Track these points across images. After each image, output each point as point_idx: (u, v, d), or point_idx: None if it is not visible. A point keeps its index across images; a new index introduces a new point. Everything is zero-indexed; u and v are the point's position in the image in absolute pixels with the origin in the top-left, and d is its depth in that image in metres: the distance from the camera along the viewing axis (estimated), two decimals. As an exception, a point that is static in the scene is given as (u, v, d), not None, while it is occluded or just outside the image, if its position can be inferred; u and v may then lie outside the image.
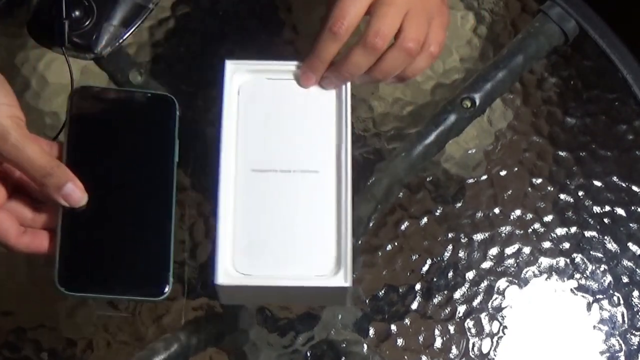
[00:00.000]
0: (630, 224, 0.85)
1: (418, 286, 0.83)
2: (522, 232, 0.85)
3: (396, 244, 0.84)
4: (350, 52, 0.75)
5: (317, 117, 0.77)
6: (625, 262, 0.84)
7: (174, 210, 0.76)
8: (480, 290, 0.83)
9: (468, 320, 0.82)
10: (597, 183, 0.86)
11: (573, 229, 0.85)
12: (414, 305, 0.82)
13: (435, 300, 0.82)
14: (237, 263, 0.73)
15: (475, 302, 0.82)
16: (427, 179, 0.86)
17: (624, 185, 0.87)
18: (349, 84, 0.77)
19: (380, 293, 0.82)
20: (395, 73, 0.77)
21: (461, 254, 0.84)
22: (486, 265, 0.84)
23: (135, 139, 0.78)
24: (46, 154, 0.72)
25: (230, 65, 0.78)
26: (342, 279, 0.73)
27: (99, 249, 0.75)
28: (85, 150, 0.76)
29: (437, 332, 0.82)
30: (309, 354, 0.81)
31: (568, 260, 0.84)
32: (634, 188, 0.86)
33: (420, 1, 0.76)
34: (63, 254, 0.73)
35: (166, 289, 0.74)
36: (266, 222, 0.74)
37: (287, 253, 0.74)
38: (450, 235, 0.84)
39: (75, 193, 0.73)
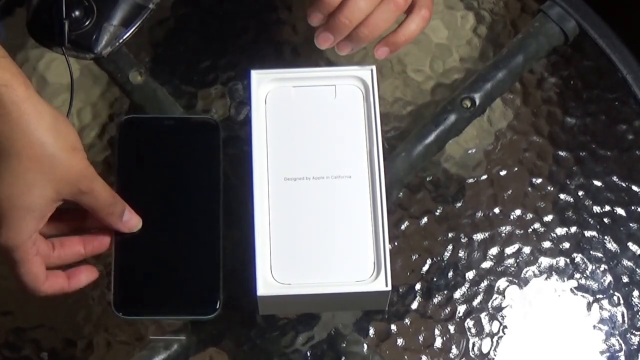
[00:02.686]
0: (630, 224, 0.85)
1: (418, 286, 0.83)
2: (522, 232, 0.85)
3: (396, 243, 0.84)
4: (377, 10, 0.77)
5: (345, 122, 0.78)
6: (625, 262, 0.84)
7: (221, 230, 0.78)
8: (480, 290, 0.83)
9: (468, 320, 0.82)
10: (597, 183, 0.86)
11: (573, 229, 0.85)
12: (414, 305, 0.82)
13: (435, 300, 0.82)
14: (276, 273, 0.74)
15: (475, 302, 0.82)
16: (427, 179, 0.86)
17: (624, 185, 0.87)
18: (376, 89, 0.78)
19: (380, 293, 0.82)
20: (385, 28, 0.78)
21: (461, 254, 0.84)
22: (486, 265, 0.84)
23: (182, 163, 0.81)
24: (105, 183, 0.74)
25: (256, 75, 0.78)
26: (382, 284, 0.73)
27: (152, 274, 0.78)
28: (135, 177, 0.80)
29: (437, 332, 0.82)
30: (309, 354, 0.81)
31: (568, 260, 0.84)
32: (634, 188, 0.86)
33: None
34: (118, 281, 0.77)
35: (216, 308, 0.76)
36: (302, 230, 0.75)
37: (326, 260, 0.74)
38: (450, 235, 0.84)
39: (132, 219, 0.76)
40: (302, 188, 0.76)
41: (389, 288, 0.73)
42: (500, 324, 0.82)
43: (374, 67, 0.79)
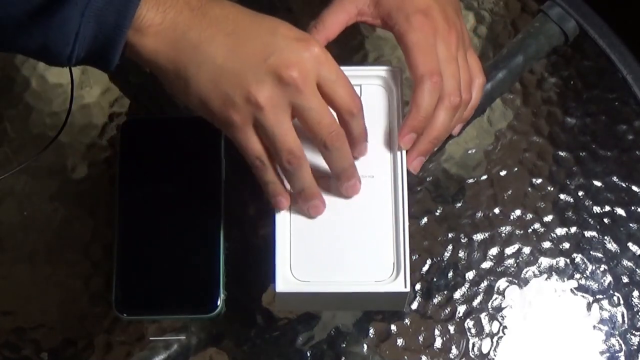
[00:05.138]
0: (630, 224, 0.85)
1: (418, 286, 0.83)
2: (522, 232, 0.85)
3: (396, 244, 0.84)
4: (436, 116, 0.76)
5: (371, 122, 0.76)
6: (625, 262, 0.84)
7: (222, 228, 0.78)
8: (480, 290, 0.83)
9: (468, 320, 0.82)
10: (597, 183, 0.86)
11: (573, 229, 0.85)
12: (414, 305, 0.82)
13: (435, 300, 0.82)
14: (295, 270, 0.73)
15: (475, 302, 0.82)
16: (427, 179, 0.86)
17: (624, 185, 0.87)
18: (401, 90, 0.77)
19: (380, 293, 0.82)
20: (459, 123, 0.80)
21: (461, 254, 0.84)
22: (486, 265, 0.84)
23: (184, 162, 0.81)
24: None
25: None
26: (401, 284, 0.73)
27: (153, 273, 0.79)
28: (137, 178, 0.79)
29: (437, 332, 0.82)
30: (309, 354, 0.81)
31: (568, 260, 0.84)
32: (634, 188, 0.86)
33: (462, 40, 0.78)
34: (119, 281, 0.77)
35: (218, 306, 0.76)
36: (323, 228, 0.74)
37: (345, 259, 0.74)
38: (450, 235, 0.84)
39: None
40: (325, 186, 0.75)
41: (408, 289, 0.73)
42: (500, 324, 0.82)
43: (401, 68, 0.78)
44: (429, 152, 0.77)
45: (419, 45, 0.75)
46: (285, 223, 0.74)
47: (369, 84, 0.78)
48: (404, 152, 0.76)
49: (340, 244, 0.74)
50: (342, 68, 0.78)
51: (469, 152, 0.87)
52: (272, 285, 0.72)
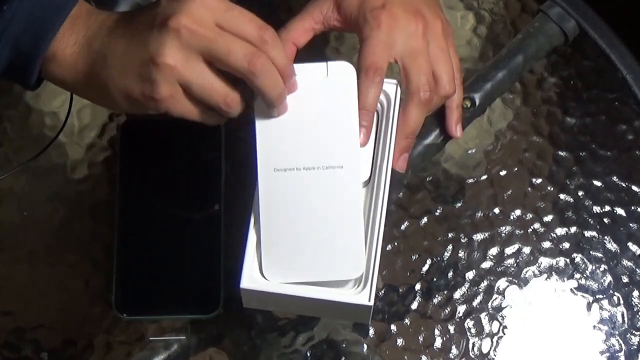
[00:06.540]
0: (630, 224, 0.85)
1: (418, 286, 0.83)
2: (522, 232, 0.85)
3: (396, 244, 0.84)
4: (407, 114, 0.76)
5: (336, 112, 0.74)
6: (625, 262, 0.84)
7: (222, 228, 0.78)
8: (480, 290, 0.83)
9: (468, 320, 0.82)
10: (597, 183, 0.86)
11: (573, 229, 0.85)
12: (414, 305, 0.82)
13: (435, 300, 0.82)
14: (263, 269, 0.73)
15: (475, 302, 0.82)
16: (427, 179, 0.86)
17: (624, 185, 0.87)
18: (397, 103, 0.77)
19: (380, 293, 0.82)
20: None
21: (461, 254, 0.84)
22: (486, 265, 0.84)
23: (184, 162, 0.81)
24: None
25: None
26: (365, 298, 0.72)
27: (153, 274, 0.78)
28: (136, 178, 0.79)
29: (437, 332, 0.82)
30: (309, 354, 0.81)
31: (568, 260, 0.84)
32: (634, 188, 0.86)
33: (433, 30, 0.77)
34: (119, 281, 0.76)
35: (218, 306, 0.76)
36: (293, 227, 0.73)
37: (313, 263, 0.73)
38: (450, 235, 0.84)
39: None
40: (293, 180, 0.73)
41: (371, 304, 0.72)
42: (500, 324, 0.82)
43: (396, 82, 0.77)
44: (409, 147, 0.77)
45: (367, 40, 0.75)
46: (258, 221, 0.73)
47: (335, 65, 0.75)
48: (391, 158, 0.75)
49: (309, 246, 0.73)
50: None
51: (469, 152, 0.87)
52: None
